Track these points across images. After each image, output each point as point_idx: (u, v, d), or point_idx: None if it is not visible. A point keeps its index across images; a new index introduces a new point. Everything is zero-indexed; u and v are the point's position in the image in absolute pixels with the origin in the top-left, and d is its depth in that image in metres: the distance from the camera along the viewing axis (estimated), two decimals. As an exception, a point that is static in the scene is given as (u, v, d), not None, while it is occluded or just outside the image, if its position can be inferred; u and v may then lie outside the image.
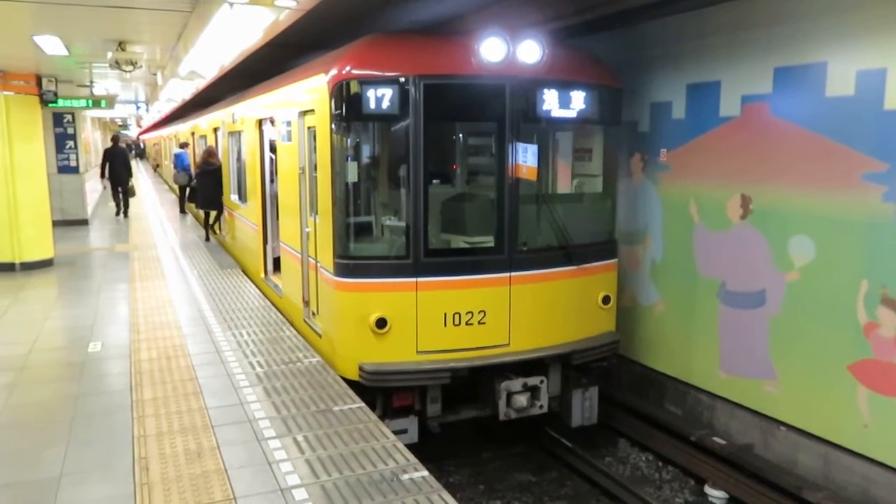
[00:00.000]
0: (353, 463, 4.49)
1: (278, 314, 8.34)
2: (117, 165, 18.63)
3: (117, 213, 19.25)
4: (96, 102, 13.87)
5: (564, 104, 6.73)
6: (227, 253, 12.93)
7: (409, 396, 6.46)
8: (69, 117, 17.31)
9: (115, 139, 19.15)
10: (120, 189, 18.98)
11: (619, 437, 7.91)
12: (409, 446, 5.04)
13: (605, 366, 7.60)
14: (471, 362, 6.41)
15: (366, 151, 7.26)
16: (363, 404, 5.54)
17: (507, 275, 6.56)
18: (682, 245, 7.71)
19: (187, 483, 4.23)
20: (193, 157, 18.36)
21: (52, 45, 8.30)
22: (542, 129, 7.24)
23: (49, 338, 7.68)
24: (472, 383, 6.67)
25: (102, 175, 19.13)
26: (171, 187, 29.74)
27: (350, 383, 6.08)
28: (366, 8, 7.94)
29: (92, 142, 26.10)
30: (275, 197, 9.62)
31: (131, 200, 19.71)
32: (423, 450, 5.77)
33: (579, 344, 6.91)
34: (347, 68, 6.20)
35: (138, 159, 60.65)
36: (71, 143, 17.51)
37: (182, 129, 23.05)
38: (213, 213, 14.33)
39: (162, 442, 4.83)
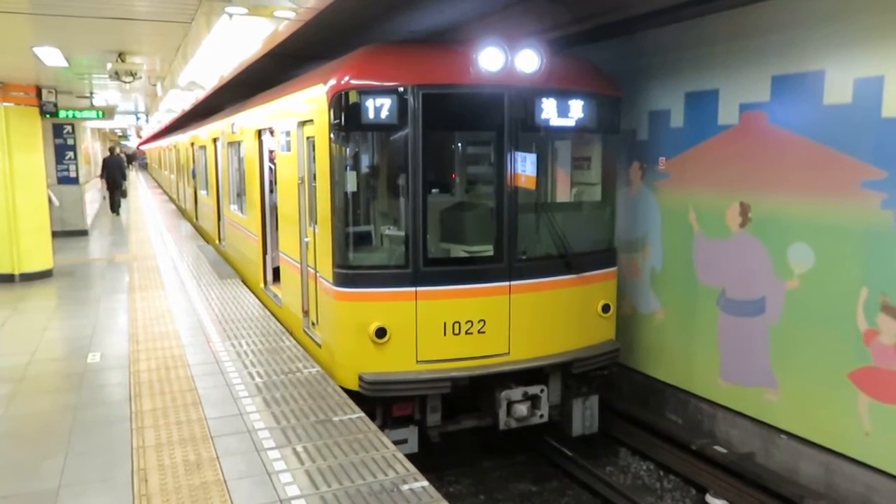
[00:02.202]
0: (353, 473, 4.47)
1: (278, 324, 8.33)
2: (114, 172, 22.85)
3: (113, 210, 23.12)
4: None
5: (563, 113, 6.75)
6: (227, 263, 12.92)
7: (408, 406, 6.44)
8: (69, 128, 17.36)
9: (111, 150, 24.34)
10: (115, 190, 23.16)
11: (620, 446, 7.87)
12: (409, 456, 5.03)
13: (605, 374, 7.58)
14: (471, 371, 6.39)
15: (365, 161, 7.27)
16: (363, 414, 5.52)
17: (506, 284, 6.56)
18: (682, 253, 7.71)
19: (186, 494, 4.21)
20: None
21: (52, 56, 8.32)
22: (540, 138, 7.25)
23: (48, 348, 7.66)
24: (472, 393, 6.65)
25: (101, 177, 23.74)
26: (171, 198, 29.79)
27: (350, 393, 6.07)
28: (365, 18, 7.97)
29: (92, 153, 26.21)
30: (274, 207, 9.62)
31: (123, 202, 24.48)
32: (424, 460, 5.75)
33: (579, 353, 6.90)
34: (346, 78, 6.22)
35: (140, 170, 61.95)
36: (71, 153, 17.56)
37: (182, 139, 23.14)
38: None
39: (161, 453, 4.81)
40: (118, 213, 23.00)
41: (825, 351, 6.18)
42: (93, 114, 13.99)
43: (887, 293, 5.65)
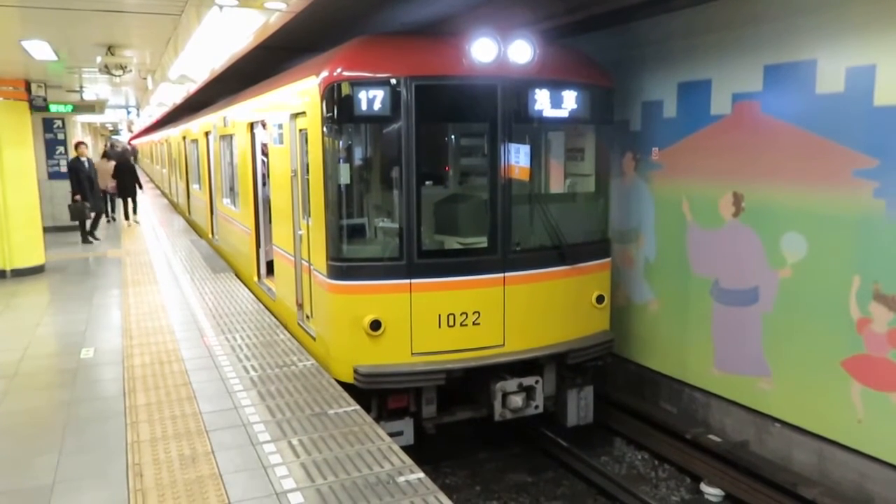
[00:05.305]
0: (349, 466, 4.47)
1: (272, 318, 8.31)
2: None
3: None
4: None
5: (556, 104, 6.73)
6: (220, 257, 12.88)
7: (404, 398, 6.45)
8: (59, 122, 17.24)
9: (113, 145, 26.82)
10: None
11: (615, 436, 7.91)
12: (405, 448, 5.04)
13: (599, 365, 7.60)
14: (466, 363, 6.40)
15: (358, 153, 7.24)
16: (358, 407, 5.52)
17: (500, 275, 6.56)
18: (675, 243, 7.72)
19: (182, 489, 4.21)
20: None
21: (40, 50, 8.25)
22: (534, 129, 7.24)
23: (41, 344, 7.63)
24: (467, 384, 6.66)
25: None
26: (163, 192, 29.65)
27: (345, 386, 6.06)
28: (356, 10, 7.93)
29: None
30: (267, 200, 9.59)
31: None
32: (419, 452, 5.76)
33: (574, 343, 6.91)
34: (338, 70, 6.19)
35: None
36: (61, 148, 17.44)
37: (173, 133, 23.01)
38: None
39: (156, 447, 4.80)
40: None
41: (818, 339, 6.20)
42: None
43: (880, 281, 5.67)
